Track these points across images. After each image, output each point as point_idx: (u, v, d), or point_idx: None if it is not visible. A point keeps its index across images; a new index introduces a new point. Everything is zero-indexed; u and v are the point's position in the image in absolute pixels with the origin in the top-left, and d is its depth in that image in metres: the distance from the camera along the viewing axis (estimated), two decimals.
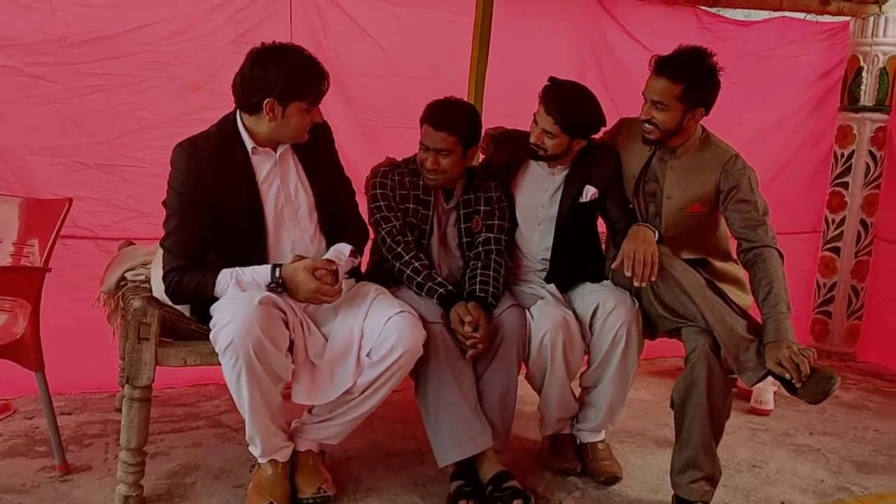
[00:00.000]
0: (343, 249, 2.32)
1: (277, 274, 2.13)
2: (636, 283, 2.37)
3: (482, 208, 2.60)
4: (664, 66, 2.41)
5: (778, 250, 2.41)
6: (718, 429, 2.38)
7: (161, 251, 2.35)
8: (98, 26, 2.87)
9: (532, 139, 2.54)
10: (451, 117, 2.43)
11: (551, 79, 2.53)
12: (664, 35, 3.50)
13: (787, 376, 2.18)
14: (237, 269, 2.14)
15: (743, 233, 2.46)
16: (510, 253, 2.65)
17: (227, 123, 2.23)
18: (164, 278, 2.15)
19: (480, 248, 2.58)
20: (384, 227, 2.50)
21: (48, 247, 2.37)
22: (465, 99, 2.80)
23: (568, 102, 2.48)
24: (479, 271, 2.52)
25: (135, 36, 2.92)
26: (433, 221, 2.56)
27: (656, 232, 2.48)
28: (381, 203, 2.51)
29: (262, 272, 2.14)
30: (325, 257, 2.23)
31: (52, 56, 2.83)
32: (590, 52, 3.70)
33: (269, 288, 2.12)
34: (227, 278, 2.12)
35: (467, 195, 2.60)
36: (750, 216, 2.44)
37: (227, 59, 2.84)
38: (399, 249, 2.48)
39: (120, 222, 3.00)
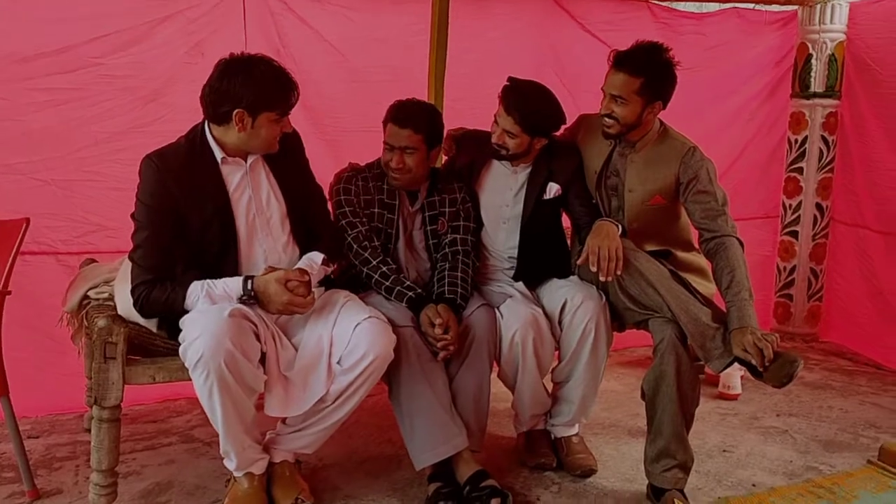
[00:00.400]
0: (315, 258, 2.31)
1: (249, 286, 2.11)
2: (602, 278, 2.39)
3: (447, 210, 2.61)
4: (623, 61, 2.43)
5: (738, 239, 2.45)
6: (689, 417, 2.42)
7: (125, 267, 2.35)
8: (47, 41, 2.83)
9: (494, 139, 2.55)
10: (415, 115, 2.45)
11: (510, 79, 2.54)
12: (620, 31, 3.55)
13: (753, 361, 2.22)
14: (208, 281, 2.12)
15: (703, 223, 2.49)
16: (477, 253, 2.66)
17: (196, 134, 2.22)
18: (132, 291, 2.12)
19: (447, 250, 2.59)
20: (350, 232, 2.49)
21: (6, 269, 2.31)
22: (426, 100, 2.80)
23: (527, 102, 2.49)
24: (447, 273, 2.53)
25: (85, 50, 2.88)
26: (398, 225, 2.56)
27: (619, 226, 2.50)
28: (346, 209, 2.51)
29: (233, 284, 2.12)
30: (296, 266, 2.22)
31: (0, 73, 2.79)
32: (548, 50, 3.72)
33: (241, 300, 2.10)
34: (197, 291, 2.10)
35: (431, 197, 2.61)
36: (710, 207, 2.47)
37: (179, 71, 2.84)
38: (366, 255, 2.48)
39: (80, 237, 2.96)
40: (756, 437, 3.03)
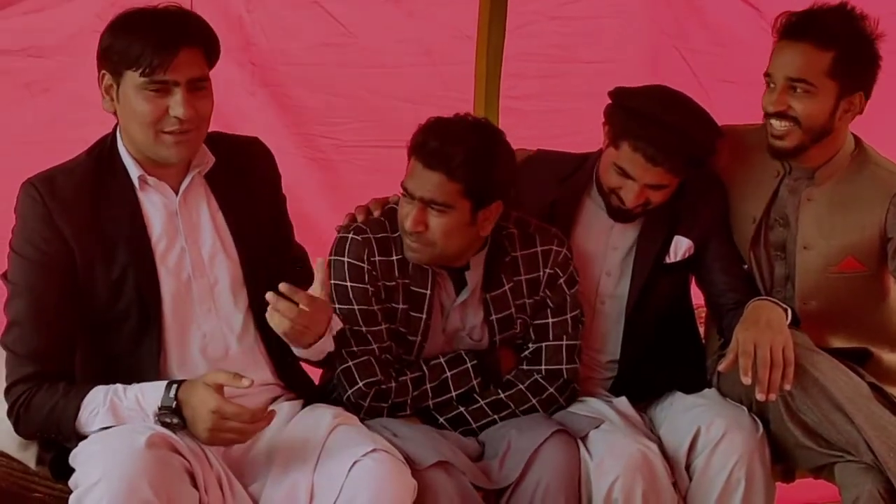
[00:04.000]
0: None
1: (172, 394, 1.69)
2: (760, 396, 1.92)
3: (526, 300, 2.06)
4: (803, 28, 1.99)
5: None
6: None
7: None
8: None
9: (629, 201, 2.04)
10: (455, 149, 1.85)
11: (620, 94, 2.03)
12: None
13: None
14: (114, 386, 1.74)
15: None
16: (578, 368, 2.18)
17: (104, 147, 1.85)
18: (6, 394, 1.78)
19: (527, 378, 2.06)
20: (355, 353, 1.95)
21: None
22: (474, 108, 2.35)
23: (681, 137, 1.98)
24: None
25: None
26: (427, 328, 2.00)
27: (789, 311, 2.03)
28: (355, 307, 1.96)
29: (150, 392, 1.72)
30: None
31: None
32: (670, 22, 3.03)
33: (161, 418, 1.68)
34: (98, 401, 1.72)
35: (497, 288, 2.05)
36: None
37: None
38: (372, 401, 1.95)
39: None
40: None
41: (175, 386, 1.68)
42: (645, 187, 2.03)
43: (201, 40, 1.76)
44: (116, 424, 1.67)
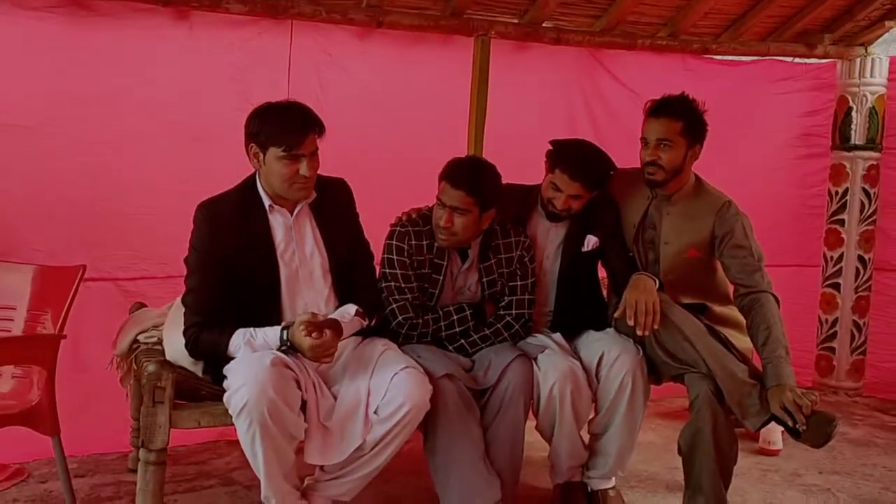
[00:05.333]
0: (349, 309, 2.34)
1: (285, 336, 2.17)
2: (639, 332, 2.42)
3: (505, 270, 2.61)
4: (661, 108, 2.53)
5: (774, 295, 2.48)
6: (727, 473, 2.41)
7: (173, 313, 2.46)
8: (102, 85, 3.02)
9: (559, 206, 2.59)
10: (470, 176, 2.44)
11: (554, 142, 2.60)
12: (652, 81, 3.60)
13: (790, 423, 2.22)
14: (250, 330, 2.19)
15: (739, 278, 2.52)
16: (531, 315, 2.66)
17: (248, 183, 2.33)
18: (184, 333, 2.22)
19: (503, 320, 2.62)
20: (397, 299, 2.51)
21: (63, 314, 2.41)
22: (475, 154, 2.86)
23: (588, 165, 2.55)
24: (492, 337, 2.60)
25: (139, 93, 3.06)
26: (443, 284, 2.58)
27: (657, 280, 2.54)
28: (397, 272, 2.51)
29: (272, 334, 2.19)
30: (329, 317, 2.26)
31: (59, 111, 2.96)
32: (580, 101, 3.81)
33: (280, 350, 2.17)
34: (239, 339, 2.18)
35: (487, 260, 2.60)
36: (745, 262, 2.51)
37: (229, 116, 2.89)
38: (407, 330, 2.52)
39: (135, 264, 3.16)
40: (798, 494, 2.98)
41: (286, 330, 2.16)
42: (568, 197, 2.55)
43: (317, 127, 2.24)
44: (251, 352, 2.15)
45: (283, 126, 2.21)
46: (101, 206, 3.07)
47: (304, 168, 2.22)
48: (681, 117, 2.50)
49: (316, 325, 2.13)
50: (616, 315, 2.48)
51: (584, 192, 2.57)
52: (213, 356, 2.22)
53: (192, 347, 2.22)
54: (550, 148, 2.62)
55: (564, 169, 2.54)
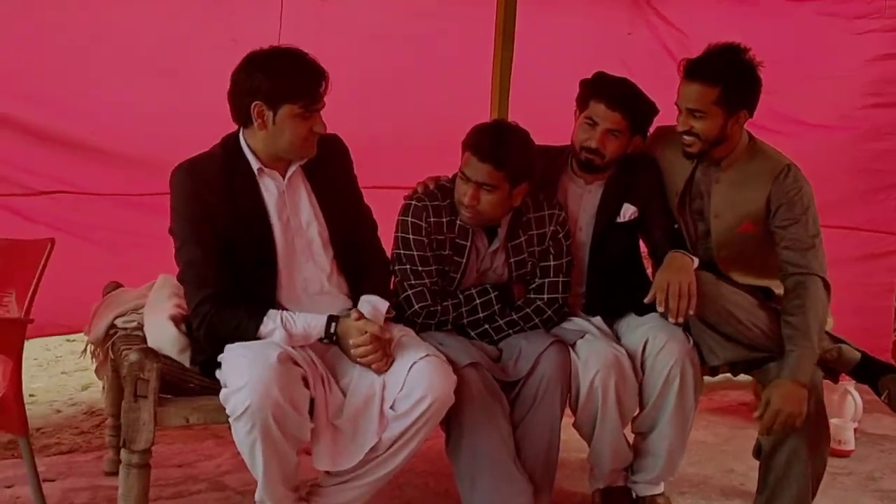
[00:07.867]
0: (380, 307, 2.28)
1: (333, 329, 2.14)
2: (671, 319, 2.36)
3: (535, 248, 2.53)
4: (696, 70, 2.40)
5: (824, 279, 2.41)
6: (817, 479, 2.35)
7: (154, 293, 2.43)
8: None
9: (592, 144, 2.49)
10: (500, 147, 2.32)
11: (599, 73, 2.53)
12: (705, 19, 3.51)
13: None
14: (285, 313, 2.14)
15: (788, 255, 2.44)
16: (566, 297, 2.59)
17: (230, 142, 2.24)
18: (195, 311, 2.13)
19: (533, 305, 2.54)
20: (413, 284, 2.42)
21: (29, 294, 2.28)
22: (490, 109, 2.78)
23: (630, 94, 2.46)
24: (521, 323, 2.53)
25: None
26: (465, 269, 2.49)
27: (696, 259, 2.46)
28: (415, 253, 2.42)
29: (315, 323, 2.15)
30: (357, 309, 2.23)
31: None
32: (617, 49, 3.66)
33: (322, 341, 2.16)
34: (274, 322, 2.12)
35: (517, 238, 2.51)
36: (797, 237, 2.43)
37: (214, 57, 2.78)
38: (424, 319, 2.44)
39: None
40: (873, 502, 2.91)
41: (334, 322, 2.13)
42: (605, 132, 2.45)
43: (327, 76, 2.18)
44: (287, 340, 2.10)
45: (300, 79, 2.13)
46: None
47: (318, 125, 2.17)
48: (719, 82, 2.37)
49: (378, 339, 2.12)
50: (646, 300, 2.40)
51: (623, 128, 2.48)
52: (234, 339, 2.12)
53: (207, 330, 2.12)
54: (583, 83, 2.54)
55: (601, 96, 2.46)
